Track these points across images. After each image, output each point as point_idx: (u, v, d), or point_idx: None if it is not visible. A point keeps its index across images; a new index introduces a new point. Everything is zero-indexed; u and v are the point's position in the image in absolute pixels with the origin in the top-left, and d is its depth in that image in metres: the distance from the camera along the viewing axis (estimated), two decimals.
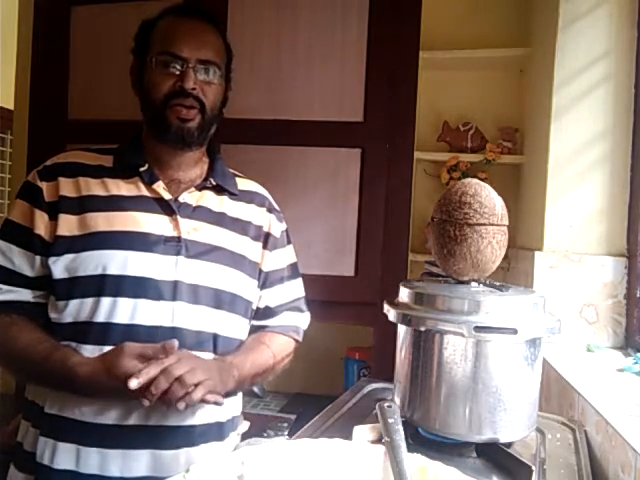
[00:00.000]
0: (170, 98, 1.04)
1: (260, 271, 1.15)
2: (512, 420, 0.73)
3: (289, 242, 1.24)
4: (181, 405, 0.90)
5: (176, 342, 0.94)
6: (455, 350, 0.73)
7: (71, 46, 1.82)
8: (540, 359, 0.77)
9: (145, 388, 0.88)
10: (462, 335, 0.71)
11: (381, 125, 1.64)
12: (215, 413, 1.04)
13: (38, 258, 1.02)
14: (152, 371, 0.88)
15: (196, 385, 0.90)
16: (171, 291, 1.01)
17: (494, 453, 0.74)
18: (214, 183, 1.12)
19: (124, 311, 0.98)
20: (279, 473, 0.62)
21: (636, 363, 1.20)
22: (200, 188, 1.11)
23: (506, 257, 1.79)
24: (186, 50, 1.04)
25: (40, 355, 0.96)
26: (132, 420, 0.97)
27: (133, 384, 0.86)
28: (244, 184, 1.20)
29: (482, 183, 0.80)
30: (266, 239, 1.17)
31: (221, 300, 1.06)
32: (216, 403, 0.93)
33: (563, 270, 1.47)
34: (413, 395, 0.77)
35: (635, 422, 0.84)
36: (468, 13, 2.04)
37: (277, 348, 1.14)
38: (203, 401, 0.92)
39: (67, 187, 1.05)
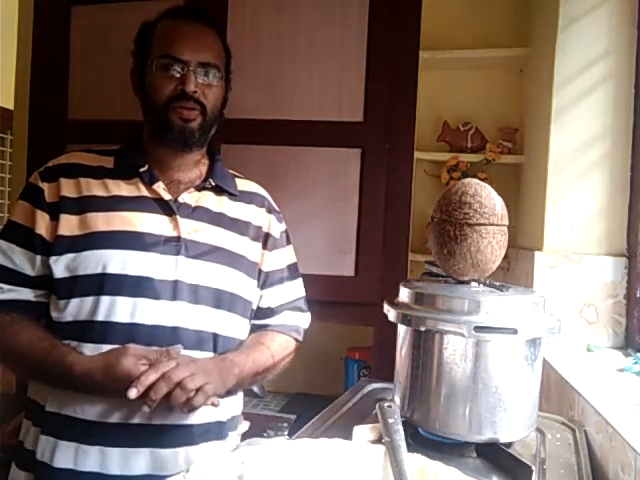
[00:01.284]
0: (172, 101, 1.05)
1: (260, 271, 1.15)
2: (512, 420, 0.73)
3: (289, 242, 1.24)
4: (184, 410, 0.91)
5: (181, 347, 0.96)
6: (455, 350, 0.73)
7: (71, 46, 1.81)
8: (540, 359, 0.77)
9: (144, 393, 0.89)
10: (462, 335, 0.71)
11: (381, 125, 1.64)
12: (215, 412, 1.04)
13: (39, 258, 1.03)
14: (151, 377, 0.89)
15: (197, 390, 0.90)
16: (171, 291, 1.01)
17: (494, 453, 0.74)
18: (213, 184, 1.13)
19: (124, 310, 0.99)
20: (279, 473, 0.62)
21: (636, 363, 1.20)
22: (200, 189, 1.11)
23: (506, 257, 1.79)
24: (186, 53, 1.05)
25: (40, 353, 0.97)
26: (132, 419, 0.97)
27: (132, 394, 0.87)
28: (244, 185, 1.20)
29: (482, 183, 0.80)
30: (265, 239, 1.17)
31: (221, 300, 1.06)
32: (213, 404, 0.94)
33: (563, 270, 1.47)
34: (413, 395, 0.77)
35: (635, 422, 0.84)
36: (468, 13, 2.04)
37: (277, 347, 1.14)
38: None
39: (68, 188, 1.05)
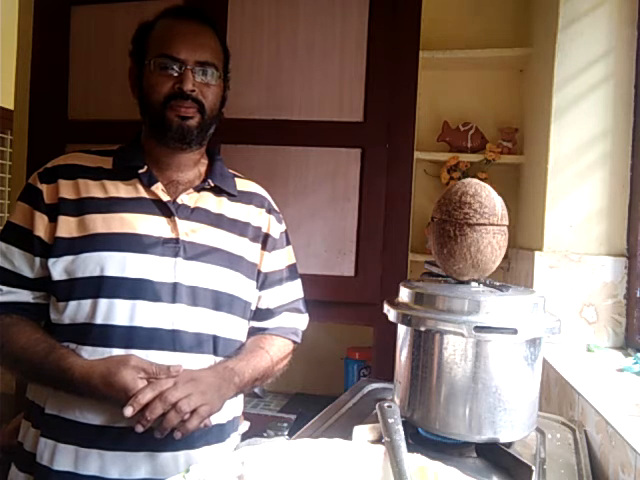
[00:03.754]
0: (169, 100, 1.05)
1: (259, 272, 1.15)
2: (512, 420, 0.73)
3: (288, 243, 1.24)
4: (177, 435, 0.91)
5: (182, 367, 0.95)
6: (455, 350, 0.73)
7: (71, 46, 1.82)
8: (540, 359, 0.77)
9: (139, 411, 0.89)
10: (462, 335, 0.71)
11: (381, 125, 1.64)
12: (215, 416, 1.04)
13: (38, 259, 1.03)
14: (147, 396, 0.89)
15: (192, 412, 0.91)
16: (171, 293, 1.01)
17: (494, 453, 0.74)
18: (212, 184, 1.12)
19: (122, 313, 0.98)
20: (279, 473, 0.62)
21: (636, 363, 1.20)
22: (198, 189, 1.11)
23: (506, 257, 1.79)
24: (184, 52, 1.04)
25: (38, 356, 0.96)
26: (132, 422, 0.96)
27: (127, 412, 0.88)
28: (243, 185, 1.20)
29: (482, 183, 0.80)
30: (265, 240, 1.17)
31: (220, 302, 1.06)
32: (205, 425, 0.95)
33: (563, 270, 1.47)
34: (413, 395, 0.77)
35: (635, 422, 0.84)
36: (468, 13, 2.04)
37: (276, 351, 1.14)
38: None
39: (67, 189, 1.05)
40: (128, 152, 1.12)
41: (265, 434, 1.62)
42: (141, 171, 1.08)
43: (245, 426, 1.25)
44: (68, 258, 1.00)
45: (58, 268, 1.00)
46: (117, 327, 0.98)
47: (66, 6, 1.81)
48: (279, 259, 1.20)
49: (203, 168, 1.16)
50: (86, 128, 1.78)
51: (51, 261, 1.01)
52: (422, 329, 0.74)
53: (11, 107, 2.34)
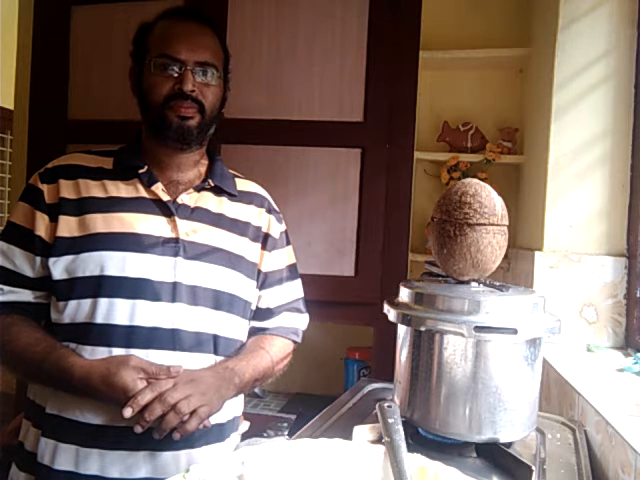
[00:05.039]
0: (169, 100, 1.05)
1: (259, 272, 1.15)
2: (512, 420, 0.73)
3: (288, 243, 1.24)
4: (176, 436, 0.91)
5: (182, 368, 0.95)
6: (455, 350, 0.73)
7: (71, 46, 1.82)
8: (540, 359, 0.77)
9: (138, 412, 0.89)
10: (462, 335, 0.71)
11: (381, 125, 1.64)
12: (215, 416, 1.04)
13: (38, 259, 1.03)
14: (147, 397, 0.89)
15: (191, 413, 0.91)
16: (170, 293, 1.01)
17: (494, 453, 0.74)
18: (212, 184, 1.12)
19: (123, 312, 0.98)
20: (279, 473, 0.62)
21: (636, 363, 1.20)
22: (199, 189, 1.11)
23: (506, 257, 1.79)
24: (184, 53, 1.05)
25: (38, 355, 0.96)
26: (132, 422, 0.96)
27: (127, 413, 0.88)
28: (243, 185, 1.20)
29: (482, 183, 0.80)
30: (265, 240, 1.17)
31: (220, 301, 1.06)
32: (205, 426, 0.95)
33: (563, 270, 1.47)
34: (413, 395, 0.77)
35: (635, 422, 0.84)
36: (468, 13, 2.04)
37: (276, 352, 1.14)
38: None
39: (67, 189, 1.05)
40: (128, 152, 1.13)
41: (265, 434, 1.62)
42: (141, 171, 1.08)
43: (245, 426, 1.25)
44: (68, 257, 1.01)
45: (58, 267, 1.01)
46: (117, 327, 0.98)
47: (66, 6, 1.81)
48: (279, 259, 1.20)
49: (203, 168, 1.16)
50: (86, 128, 1.78)
51: (51, 260, 1.01)
52: (422, 329, 0.74)
53: (11, 107, 2.34)
